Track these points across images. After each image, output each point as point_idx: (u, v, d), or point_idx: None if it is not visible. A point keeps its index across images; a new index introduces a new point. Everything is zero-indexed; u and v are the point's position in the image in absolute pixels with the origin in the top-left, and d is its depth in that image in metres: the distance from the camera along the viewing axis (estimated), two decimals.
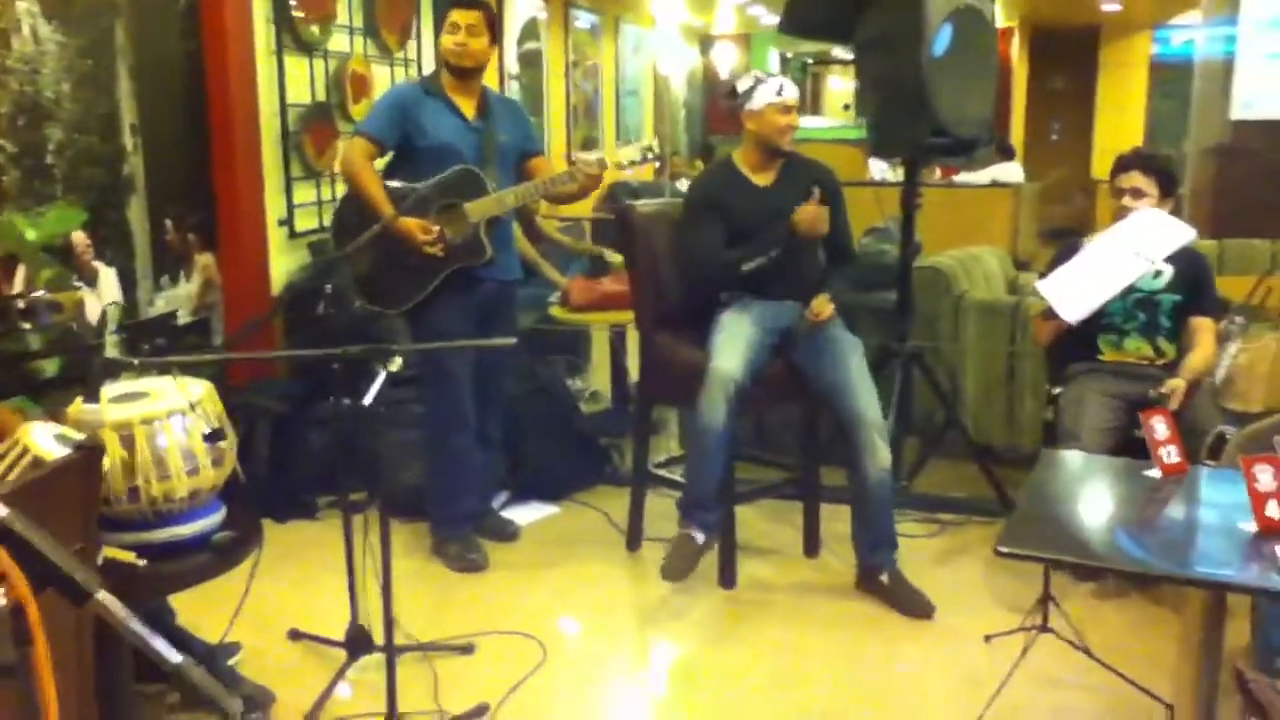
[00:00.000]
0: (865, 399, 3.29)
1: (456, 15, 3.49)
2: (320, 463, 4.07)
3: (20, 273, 3.79)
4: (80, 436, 2.25)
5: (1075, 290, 3.26)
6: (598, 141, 9.29)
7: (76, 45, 4.19)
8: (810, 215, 3.35)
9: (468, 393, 3.58)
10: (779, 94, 3.38)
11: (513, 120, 3.74)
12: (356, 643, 2.82)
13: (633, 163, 3.54)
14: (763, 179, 3.51)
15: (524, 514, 4.00)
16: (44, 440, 2.21)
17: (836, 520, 3.69)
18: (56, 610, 1.17)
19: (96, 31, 4.33)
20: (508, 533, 3.83)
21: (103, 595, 1.15)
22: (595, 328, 5.22)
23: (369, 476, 3.13)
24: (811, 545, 3.69)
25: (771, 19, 11.79)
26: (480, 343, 3.47)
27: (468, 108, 3.57)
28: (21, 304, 3.56)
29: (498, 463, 3.95)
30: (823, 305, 3.38)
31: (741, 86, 3.44)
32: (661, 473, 3.78)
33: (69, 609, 1.15)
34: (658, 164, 4.93)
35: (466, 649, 3.01)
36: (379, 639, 2.77)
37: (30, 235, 3.81)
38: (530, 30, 7.94)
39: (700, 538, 3.30)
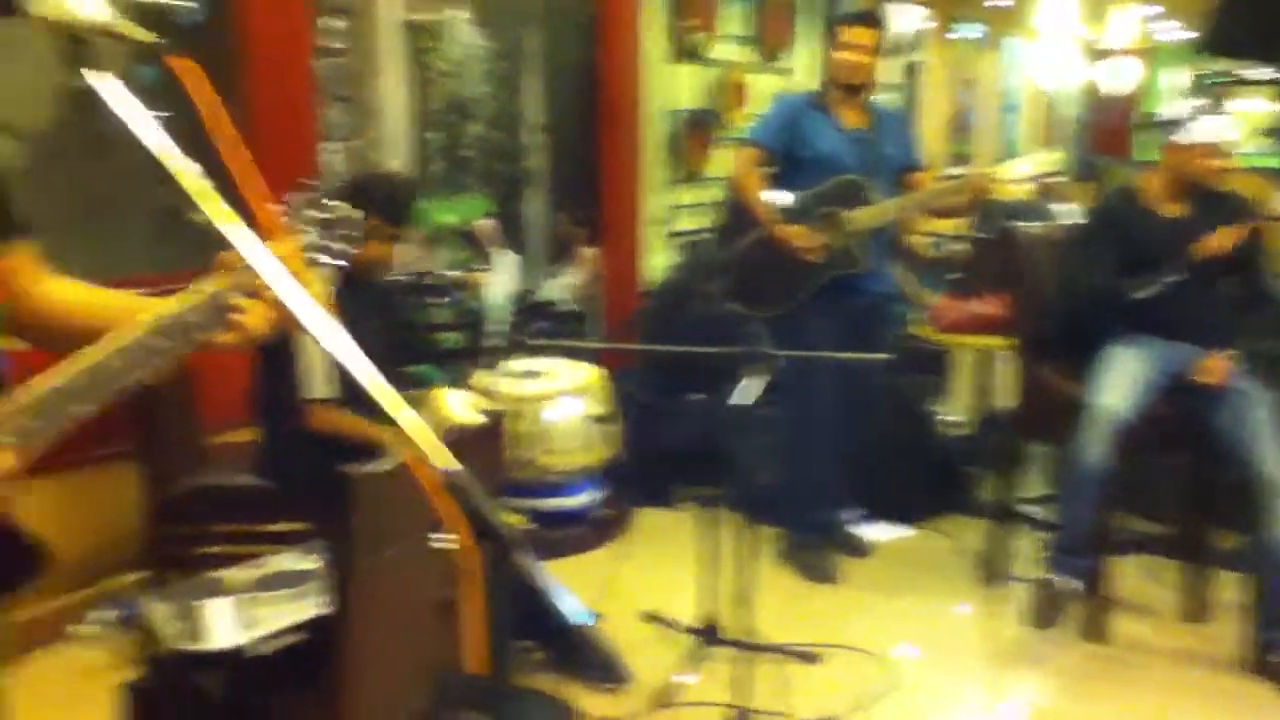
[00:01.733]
0: (1273, 461, 2.96)
1: (851, 33, 3.52)
2: (680, 455, 4.19)
3: (434, 253, 4.21)
4: (487, 406, 2.46)
5: None
6: (972, 157, 8.97)
7: (495, 50, 4.59)
8: (1215, 244, 3.05)
9: (831, 404, 3.57)
10: (1216, 136, 3.11)
11: (896, 133, 3.71)
12: (709, 634, 2.88)
13: (1030, 179, 3.38)
14: (1172, 210, 3.24)
15: (875, 532, 3.94)
16: (457, 407, 2.44)
17: (1224, 587, 3.34)
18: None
19: (512, 38, 4.72)
20: (858, 549, 3.78)
21: (524, 551, 1.24)
22: (959, 350, 5.03)
23: (728, 476, 3.20)
24: (1194, 610, 3.35)
25: (1172, 34, 10.87)
26: (854, 356, 3.44)
27: (852, 120, 3.58)
28: (435, 281, 3.96)
29: (853, 477, 3.90)
30: (1215, 366, 3.07)
31: (1173, 114, 3.20)
32: (1027, 510, 3.58)
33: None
34: (1049, 181, 4.69)
35: (813, 657, 3.00)
36: (729, 633, 2.83)
37: (446, 220, 4.22)
38: (911, 42, 7.82)
39: (1069, 585, 3.13)
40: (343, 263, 1.29)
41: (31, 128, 2.85)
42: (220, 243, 1.16)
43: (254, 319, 1.22)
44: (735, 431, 3.02)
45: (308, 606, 2.00)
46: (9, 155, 2.60)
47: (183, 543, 2.72)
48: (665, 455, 4.20)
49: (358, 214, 1.31)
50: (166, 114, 1.15)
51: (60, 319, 1.33)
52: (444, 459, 1.17)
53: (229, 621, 1.92)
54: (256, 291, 1.21)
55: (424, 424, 1.18)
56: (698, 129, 5.29)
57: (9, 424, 1.08)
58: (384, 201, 2.70)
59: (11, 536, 1.19)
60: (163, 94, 1.26)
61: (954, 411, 5.03)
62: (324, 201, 1.29)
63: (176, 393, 2.80)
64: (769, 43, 5.81)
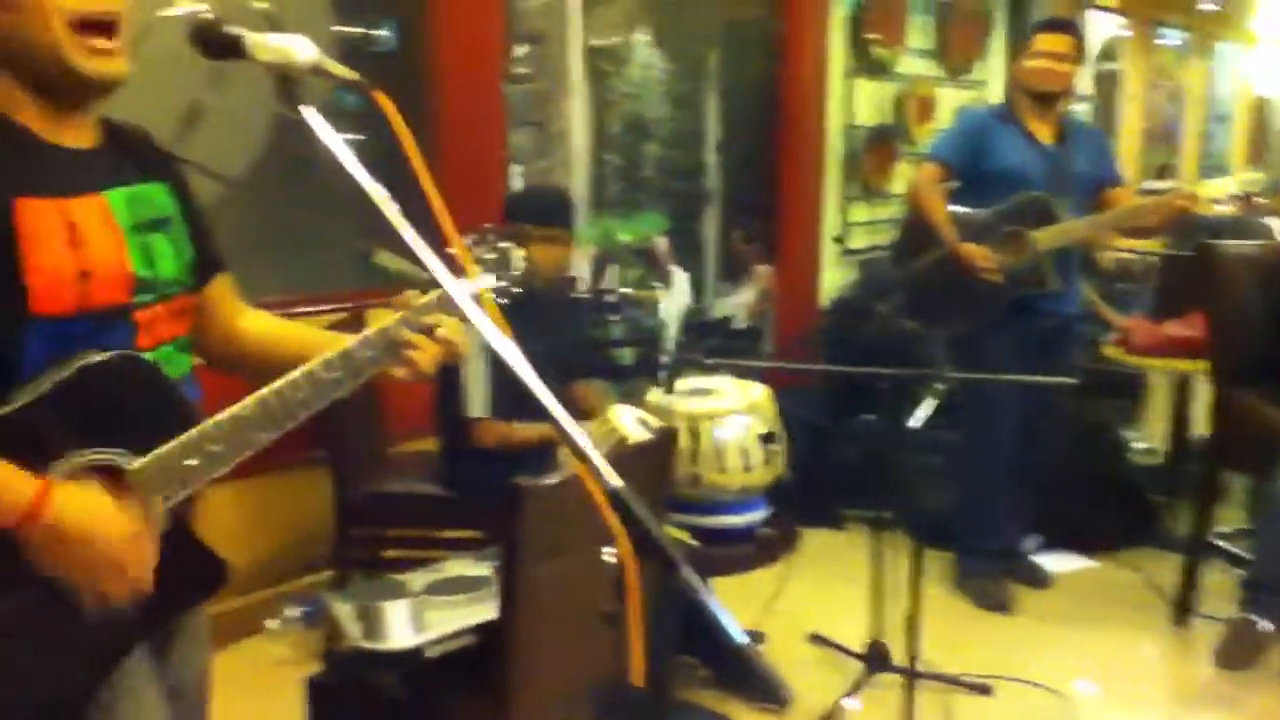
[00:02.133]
0: None
1: (1044, 40, 3.41)
2: (850, 476, 4.14)
3: (610, 271, 4.30)
4: (657, 422, 2.51)
5: None
6: (1175, 169, 8.50)
7: (676, 70, 4.66)
8: None
9: (1010, 428, 3.45)
10: None
11: (1092, 148, 3.56)
12: (876, 658, 2.84)
13: (1230, 198, 3.20)
14: None
15: (1057, 562, 3.78)
16: (628, 422, 2.50)
17: None
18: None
19: (693, 57, 4.78)
20: (1038, 579, 3.64)
21: (687, 569, 1.26)
22: (1153, 373, 4.78)
23: (899, 498, 3.14)
24: None
25: None
26: (1037, 380, 3.32)
27: (1043, 133, 3.45)
28: (611, 298, 4.05)
29: (1033, 505, 3.76)
30: None
31: None
32: (1223, 544, 3.38)
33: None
34: (1255, 199, 4.41)
35: (985, 690, 2.91)
36: (897, 659, 2.78)
37: (623, 238, 4.31)
38: (1107, 50, 7.49)
39: (1267, 626, 2.95)
40: (505, 301, 1.36)
41: (236, 165, 3.08)
42: (401, 279, 1.24)
43: (425, 355, 1.30)
44: (907, 453, 2.96)
45: (479, 611, 2.08)
46: (211, 195, 2.81)
47: (366, 545, 2.88)
48: (834, 475, 4.16)
49: (521, 253, 1.37)
50: (360, 137, 1.24)
51: (253, 348, 1.45)
52: (609, 473, 1.21)
53: (405, 623, 2.02)
54: (428, 329, 1.29)
55: (592, 438, 1.22)
56: (880, 144, 5.22)
57: (195, 450, 1.19)
58: (533, 208, 2.86)
59: (196, 550, 1.30)
60: (355, 118, 1.35)
61: (1147, 438, 4.79)
62: (495, 243, 1.36)
63: (362, 404, 2.97)
64: (956, 56, 5.67)
